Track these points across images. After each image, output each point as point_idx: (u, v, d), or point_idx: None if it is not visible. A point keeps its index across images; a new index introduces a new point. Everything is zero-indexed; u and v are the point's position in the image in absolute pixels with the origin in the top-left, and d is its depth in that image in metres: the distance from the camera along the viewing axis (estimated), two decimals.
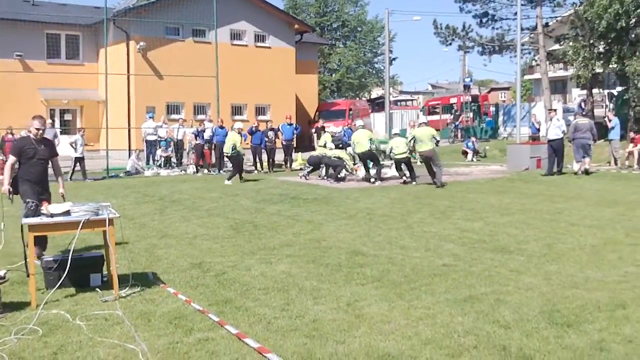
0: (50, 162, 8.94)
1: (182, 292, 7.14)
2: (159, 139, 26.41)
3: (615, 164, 23.81)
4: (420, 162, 20.12)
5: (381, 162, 20.71)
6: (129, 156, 26.06)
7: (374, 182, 19.26)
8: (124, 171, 24.11)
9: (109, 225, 7.19)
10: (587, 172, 20.65)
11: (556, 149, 20.82)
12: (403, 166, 19.69)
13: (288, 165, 25.87)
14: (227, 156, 21.47)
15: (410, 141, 18.97)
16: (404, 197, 15.65)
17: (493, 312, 6.19)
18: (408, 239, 10.14)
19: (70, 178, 21.13)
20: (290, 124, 26.54)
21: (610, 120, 24.34)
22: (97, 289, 7.34)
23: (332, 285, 7.36)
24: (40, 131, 8.63)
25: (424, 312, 6.26)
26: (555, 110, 22.61)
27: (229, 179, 20.04)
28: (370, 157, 19.92)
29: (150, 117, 27.00)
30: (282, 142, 26.14)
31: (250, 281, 7.63)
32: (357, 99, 53.29)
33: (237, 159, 20.57)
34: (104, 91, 25.42)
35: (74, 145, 22.37)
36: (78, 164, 22.25)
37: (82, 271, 7.55)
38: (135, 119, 29.78)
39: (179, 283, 7.65)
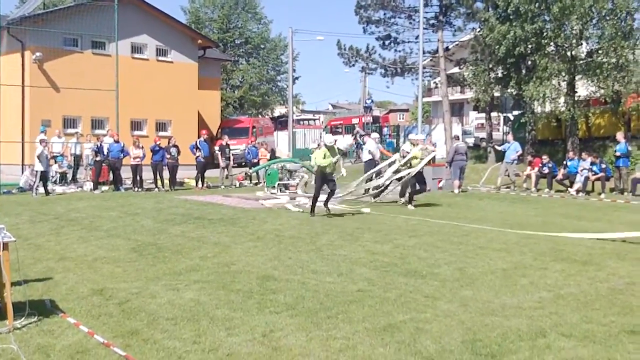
0: None
1: (83, 323, 6.65)
2: (55, 154, 25.27)
3: (514, 185, 24.49)
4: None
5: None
6: (23, 171, 24.85)
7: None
8: (17, 187, 22.92)
9: (3, 249, 6.63)
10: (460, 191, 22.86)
11: (366, 170, 21.58)
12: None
13: (201, 183, 25.08)
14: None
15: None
16: (311, 217, 15.44)
17: (414, 343, 6.02)
18: (319, 262, 9.91)
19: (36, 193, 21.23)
20: (206, 141, 25.96)
21: (508, 142, 25.17)
22: None
23: (245, 313, 7.03)
24: None
25: (343, 343, 6.02)
26: (368, 134, 23.76)
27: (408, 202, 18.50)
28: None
29: (41, 131, 25.76)
30: (199, 159, 25.20)
31: (157, 310, 7.19)
32: (260, 116, 53.11)
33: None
34: None
35: (39, 157, 21.43)
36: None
37: None
38: (30, 133, 28.41)
39: (79, 312, 7.14)
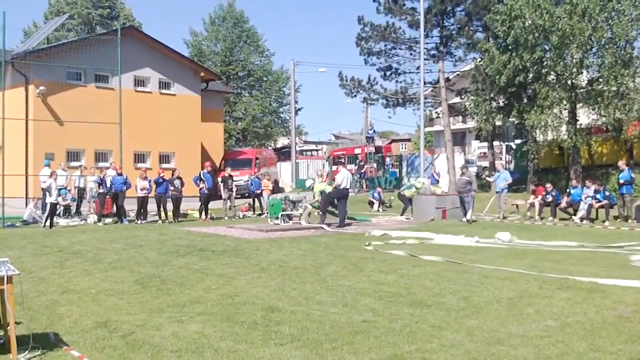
0: None
1: (87, 356, 6.62)
2: (58, 186, 25.28)
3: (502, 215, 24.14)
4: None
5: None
6: (26, 205, 24.89)
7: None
8: (21, 220, 22.96)
9: (7, 283, 6.61)
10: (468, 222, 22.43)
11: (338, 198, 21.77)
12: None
13: (204, 214, 25.08)
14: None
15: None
16: (315, 248, 15.42)
17: None
18: (324, 293, 9.87)
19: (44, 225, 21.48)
20: (210, 172, 25.98)
21: (498, 172, 25.18)
22: None
23: (250, 345, 6.99)
24: None
25: None
26: (342, 164, 24.08)
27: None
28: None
29: (45, 165, 25.83)
30: (203, 191, 25.18)
31: (161, 342, 7.16)
32: (263, 147, 53.26)
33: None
34: (0, 136, 24.22)
35: (48, 190, 21.87)
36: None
37: None
38: (33, 166, 28.51)
39: (83, 345, 7.10)
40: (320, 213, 21.55)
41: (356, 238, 17.69)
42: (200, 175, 25.57)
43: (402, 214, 25.64)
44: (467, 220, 22.22)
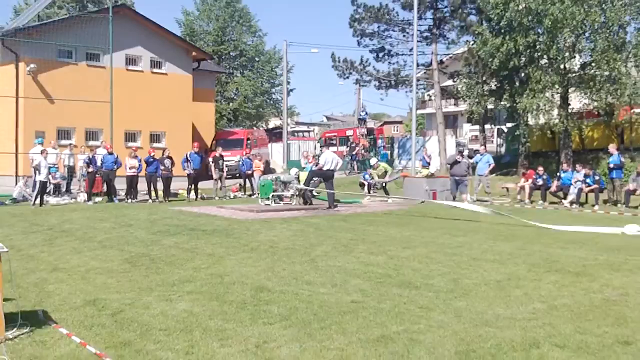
0: None
1: (76, 333, 6.61)
2: (48, 164, 25.17)
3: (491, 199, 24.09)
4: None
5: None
6: (16, 183, 24.80)
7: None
8: (10, 198, 22.87)
9: None
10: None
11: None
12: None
13: (194, 194, 25.00)
14: None
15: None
16: (306, 229, 15.43)
17: (408, 354, 5.99)
18: (313, 273, 9.89)
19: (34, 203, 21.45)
20: (198, 153, 25.86)
21: (480, 154, 25.14)
22: None
23: (238, 324, 7.00)
24: None
25: (337, 354, 6.00)
26: (326, 146, 24.53)
27: None
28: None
29: (38, 143, 25.69)
30: (189, 171, 25.11)
31: (150, 321, 7.16)
32: (255, 128, 53.16)
33: None
34: None
35: (38, 168, 21.93)
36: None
37: None
38: (24, 144, 28.36)
39: (72, 322, 7.10)
40: (303, 191, 21.70)
41: (347, 220, 17.72)
42: (187, 156, 25.37)
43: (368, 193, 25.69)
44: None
